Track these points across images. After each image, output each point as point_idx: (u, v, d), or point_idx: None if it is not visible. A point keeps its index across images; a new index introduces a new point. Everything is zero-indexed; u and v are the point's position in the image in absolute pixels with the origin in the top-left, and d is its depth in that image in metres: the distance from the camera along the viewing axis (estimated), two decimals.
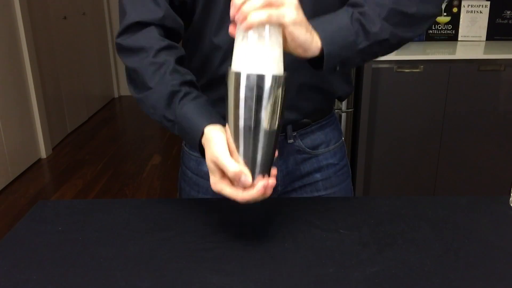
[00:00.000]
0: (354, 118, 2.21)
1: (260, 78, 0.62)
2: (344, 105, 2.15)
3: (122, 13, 0.81)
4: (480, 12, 2.52)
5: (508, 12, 2.53)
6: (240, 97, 0.63)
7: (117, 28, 0.84)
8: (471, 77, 2.20)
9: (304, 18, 0.66)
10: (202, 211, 0.85)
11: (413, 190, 2.38)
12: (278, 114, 0.65)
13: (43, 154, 3.42)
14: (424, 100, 2.23)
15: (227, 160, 0.65)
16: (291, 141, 0.93)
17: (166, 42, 0.79)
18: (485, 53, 2.28)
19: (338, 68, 0.73)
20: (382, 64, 2.17)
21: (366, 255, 0.71)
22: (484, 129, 2.28)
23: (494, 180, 2.36)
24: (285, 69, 0.65)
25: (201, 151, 0.72)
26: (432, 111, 2.25)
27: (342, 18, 0.71)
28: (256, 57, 0.62)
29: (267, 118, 0.64)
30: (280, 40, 0.64)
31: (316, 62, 0.72)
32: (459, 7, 2.51)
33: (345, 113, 2.17)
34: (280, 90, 0.64)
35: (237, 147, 0.66)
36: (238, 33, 0.63)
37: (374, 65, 2.12)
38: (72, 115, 3.99)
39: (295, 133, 0.93)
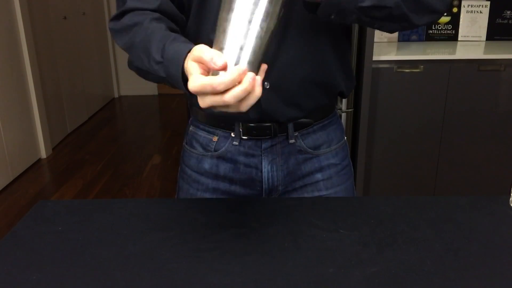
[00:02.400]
0: (354, 118, 2.21)
1: None
2: (344, 105, 2.15)
3: (120, 2, 0.81)
4: (480, 12, 2.52)
5: (508, 12, 2.53)
6: None
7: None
8: (471, 77, 2.20)
9: None
10: (202, 211, 0.85)
11: (413, 190, 2.37)
12: (273, 14, 0.60)
13: (43, 154, 3.42)
14: (424, 100, 2.23)
15: (205, 49, 0.58)
16: (292, 141, 0.93)
17: (158, 14, 0.77)
18: (485, 53, 2.28)
19: (333, 16, 0.71)
20: (382, 64, 2.17)
21: (366, 255, 0.71)
22: (484, 129, 2.28)
23: (494, 180, 2.36)
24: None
25: (185, 82, 0.65)
26: (432, 111, 2.25)
27: None
28: None
29: (263, 12, 0.60)
30: None
31: (313, 7, 0.71)
32: (459, 7, 2.51)
33: (345, 113, 2.17)
34: None
35: (223, 40, 0.60)
36: None
37: (374, 65, 2.12)
38: (72, 115, 3.99)
39: (297, 133, 0.93)
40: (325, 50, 0.88)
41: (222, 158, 0.94)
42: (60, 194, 2.90)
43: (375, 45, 2.10)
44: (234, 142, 0.92)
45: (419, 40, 2.57)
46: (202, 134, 0.95)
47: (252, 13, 0.60)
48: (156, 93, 5.21)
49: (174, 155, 3.46)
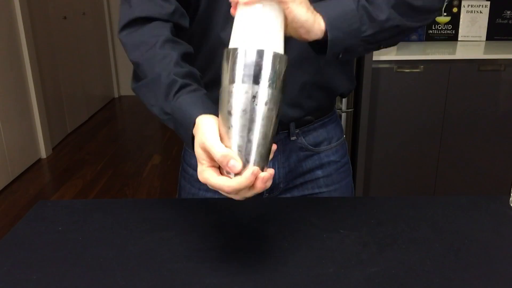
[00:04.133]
0: (354, 118, 2.21)
1: (259, 54, 0.57)
2: (344, 105, 2.15)
3: (126, 4, 0.79)
4: (480, 12, 2.52)
5: (508, 12, 2.53)
6: (235, 75, 0.57)
7: (117, 28, 0.83)
8: (471, 77, 2.20)
9: None
10: (202, 211, 0.85)
11: (413, 190, 2.38)
12: (276, 96, 0.58)
13: (43, 154, 3.42)
14: (424, 100, 2.23)
15: (215, 143, 0.59)
16: (293, 138, 0.93)
17: (171, 36, 0.77)
18: (485, 53, 2.28)
19: (341, 56, 0.72)
20: (382, 64, 2.17)
21: (366, 255, 0.71)
22: (484, 129, 2.28)
23: (494, 180, 2.36)
24: (286, 53, 0.61)
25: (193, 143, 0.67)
26: (432, 111, 2.25)
27: (347, 3, 0.70)
28: (255, 33, 0.58)
29: (265, 99, 0.57)
30: (281, 20, 0.61)
31: (319, 49, 0.72)
32: (459, 7, 2.51)
33: (345, 113, 2.17)
34: (280, 69, 0.58)
35: (229, 133, 0.58)
36: (237, 12, 0.60)
37: (374, 65, 2.12)
38: (72, 115, 3.99)
39: (298, 130, 0.94)
40: None
41: None
42: (60, 194, 2.90)
43: None
44: None
45: (419, 40, 2.57)
46: None
47: (253, 107, 0.57)
48: None
49: (174, 155, 3.46)
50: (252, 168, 0.57)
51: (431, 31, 2.55)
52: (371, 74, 2.10)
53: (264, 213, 0.84)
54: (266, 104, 0.58)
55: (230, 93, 0.58)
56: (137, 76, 0.78)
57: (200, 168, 0.61)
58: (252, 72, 0.57)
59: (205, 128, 0.61)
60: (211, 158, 0.60)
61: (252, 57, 0.57)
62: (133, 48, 0.78)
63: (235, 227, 0.79)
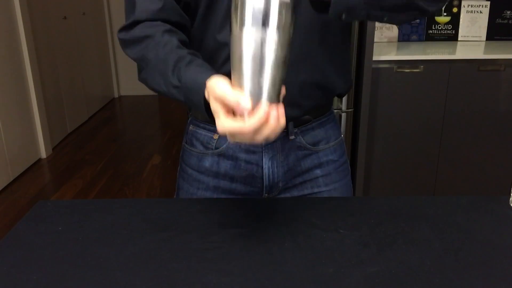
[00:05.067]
0: (354, 118, 2.21)
1: (267, 1, 0.59)
2: (344, 105, 2.15)
3: (131, 9, 0.82)
4: (480, 12, 2.52)
5: (508, 12, 2.53)
6: (245, 20, 0.60)
7: (117, 28, 0.85)
8: (471, 77, 2.20)
9: None
10: (202, 211, 0.85)
11: (413, 190, 2.38)
12: (284, 40, 0.61)
13: (43, 154, 3.42)
14: (424, 100, 2.23)
15: (227, 90, 0.61)
16: (292, 137, 0.94)
17: (169, 26, 0.80)
18: (485, 53, 2.28)
19: (343, 16, 0.72)
20: (382, 64, 2.17)
21: (366, 255, 0.71)
22: (484, 129, 2.28)
23: (494, 180, 2.36)
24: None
25: (206, 108, 0.69)
26: (432, 111, 2.25)
27: None
28: None
29: (273, 42, 0.60)
30: None
31: (322, 7, 0.72)
32: (459, 7, 2.51)
33: (345, 113, 2.17)
34: (287, 14, 0.61)
35: (241, 79, 0.62)
36: None
37: (374, 65, 2.12)
38: (72, 115, 3.99)
39: (296, 130, 0.94)
40: (325, 55, 0.90)
41: (222, 155, 0.94)
42: (60, 194, 2.90)
43: (375, 45, 2.10)
44: None
45: (419, 40, 2.57)
46: (202, 132, 0.96)
47: (263, 53, 0.60)
48: (156, 93, 5.21)
49: (174, 155, 3.46)
50: (263, 106, 0.60)
51: (431, 31, 2.55)
52: (371, 74, 2.10)
53: (264, 213, 0.84)
54: (275, 47, 0.60)
55: (240, 39, 0.61)
56: (142, 68, 0.81)
57: (217, 121, 0.62)
58: (260, 17, 0.59)
59: (217, 82, 0.63)
60: (226, 107, 0.62)
61: (260, 3, 0.59)
62: (134, 44, 0.80)
63: (235, 227, 0.79)
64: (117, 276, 0.67)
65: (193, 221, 0.81)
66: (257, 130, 0.60)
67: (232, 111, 0.62)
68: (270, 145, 0.93)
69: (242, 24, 0.60)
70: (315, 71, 0.89)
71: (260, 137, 0.61)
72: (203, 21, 0.86)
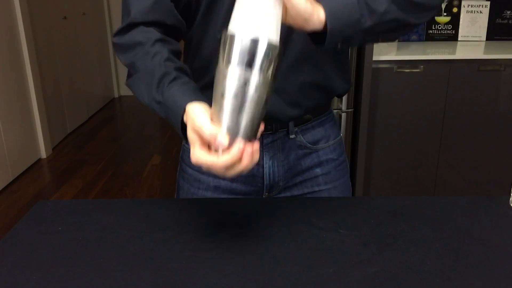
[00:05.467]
0: (354, 118, 2.21)
1: (254, 42, 0.60)
2: (344, 105, 2.15)
3: (126, 11, 0.82)
4: (480, 12, 2.52)
5: (508, 12, 2.53)
6: (231, 59, 0.61)
7: (117, 28, 0.85)
8: (471, 77, 2.20)
9: None
10: (202, 211, 0.85)
11: (413, 190, 2.37)
12: (267, 82, 0.62)
13: (43, 154, 3.42)
14: (424, 100, 2.23)
15: (205, 123, 0.63)
16: (292, 136, 0.94)
17: (161, 36, 0.80)
18: (485, 53, 2.28)
19: (339, 46, 0.73)
20: (382, 64, 2.17)
21: (366, 255, 0.71)
22: (484, 129, 2.28)
23: (494, 180, 2.36)
24: (281, 42, 0.64)
25: (183, 131, 0.70)
26: (432, 111, 2.25)
27: None
28: (252, 20, 0.61)
29: (256, 84, 0.61)
30: (279, 9, 0.64)
31: (317, 38, 0.73)
32: (459, 7, 2.51)
33: (345, 113, 2.17)
34: (272, 57, 0.62)
35: (220, 114, 0.63)
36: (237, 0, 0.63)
37: (374, 65, 2.12)
38: (72, 115, 3.99)
39: (297, 129, 0.95)
40: (324, 56, 0.90)
41: None
42: (60, 194, 2.90)
43: (375, 45, 2.10)
44: None
45: (419, 40, 2.57)
46: None
47: (244, 93, 0.61)
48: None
49: (174, 155, 3.46)
50: (238, 143, 0.62)
51: (431, 31, 2.55)
52: (371, 74, 2.10)
53: (264, 213, 0.84)
54: (257, 88, 0.62)
55: (224, 76, 0.62)
56: (130, 75, 0.82)
57: (192, 151, 0.64)
58: (246, 59, 0.61)
59: (196, 111, 0.65)
60: (202, 140, 0.64)
61: (247, 45, 0.60)
62: (126, 50, 0.81)
63: (235, 227, 0.79)
64: (117, 276, 0.67)
65: (193, 221, 0.81)
66: (230, 166, 0.62)
67: (207, 144, 0.64)
68: (270, 145, 0.94)
69: (228, 61, 0.61)
70: (315, 72, 0.90)
71: (232, 173, 0.63)
72: (203, 20, 0.86)
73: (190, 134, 0.65)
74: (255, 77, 0.61)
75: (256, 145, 0.64)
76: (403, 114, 2.25)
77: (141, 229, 0.79)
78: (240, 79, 0.61)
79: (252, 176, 0.95)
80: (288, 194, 0.98)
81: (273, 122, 0.92)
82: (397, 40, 2.55)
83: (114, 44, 0.83)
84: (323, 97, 0.96)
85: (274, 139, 0.94)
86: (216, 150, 0.63)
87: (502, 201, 0.86)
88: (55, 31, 3.67)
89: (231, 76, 0.61)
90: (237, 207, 0.87)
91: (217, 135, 0.61)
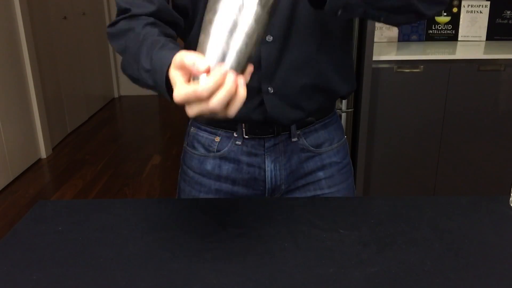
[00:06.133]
0: (354, 118, 2.21)
1: None
2: (344, 105, 2.15)
3: (120, 11, 0.82)
4: (480, 12, 2.52)
5: (508, 12, 2.52)
6: None
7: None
8: (471, 77, 2.20)
9: None
10: (202, 211, 0.85)
11: (413, 190, 2.37)
12: (261, 14, 0.58)
13: (43, 154, 3.42)
14: (424, 100, 2.23)
15: (187, 54, 0.56)
16: (295, 139, 0.93)
17: (152, 19, 0.77)
18: (485, 53, 2.28)
19: (339, 12, 0.70)
20: (382, 64, 2.17)
21: (366, 255, 0.71)
22: (484, 129, 2.28)
23: (494, 180, 2.36)
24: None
25: (169, 90, 0.64)
26: (432, 111, 2.25)
27: None
28: None
29: (251, 12, 0.58)
30: None
31: (319, 2, 0.71)
32: (459, 7, 2.51)
33: (345, 113, 2.17)
34: None
35: (205, 43, 0.57)
36: None
37: (374, 65, 2.12)
38: (72, 115, 3.99)
39: (299, 132, 0.94)
40: (325, 57, 0.89)
41: (224, 158, 0.94)
42: (60, 194, 2.90)
43: (375, 45, 2.10)
44: (237, 142, 0.92)
45: (419, 40, 2.57)
46: (203, 134, 0.95)
47: (237, 17, 0.57)
48: (156, 93, 5.21)
49: (174, 156, 3.46)
50: (220, 67, 0.56)
51: (431, 31, 2.55)
52: (371, 74, 2.10)
53: (264, 213, 0.84)
54: (250, 16, 0.58)
55: (217, 1, 0.58)
56: (124, 60, 0.79)
57: (175, 91, 0.57)
58: None
59: (180, 53, 0.59)
60: (185, 73, 0.57)
61: None
62: (119, 36, 0.79)
63: (235, 227, 0.79)
64: (117, 276, 0.67)
65: (193, 221, 0.81)
66: (213, 92, 0.54)
67: (190, 78, 0.57)
68: (272, 148, 0.93)
69: None
70: (316, 74, 0.89)
71: (217, 103, 0.54)
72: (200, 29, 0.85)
73: (172, 73, 0.58)
74: (250, 6, 0.57)
75: (242, 79, 0.56)
76: (403, 114, 2.25)
77: (141, 229, 0.79)
78: (234, 4, 0.57)
79: (254, 179, 0.95)
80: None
81: (275, 125, 0.91)
82: (397, 40, 2.55)
83: (107, 34, 0.82)
84: (326, 100, 0.94)
85: (276, 142, 0.93)
86: (197, 79, 0.55)
87: (502, 201, 0.86)
88: (55, 31, 3.67)
89: (225, 1, 0.57)
90: (237, 207, 0.87)
91: (198, 61, 0.54)
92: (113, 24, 0.82)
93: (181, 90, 0.55)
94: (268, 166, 0.93)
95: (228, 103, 0.55)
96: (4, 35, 2.95)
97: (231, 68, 0.57)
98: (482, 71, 2.19)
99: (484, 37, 2.56)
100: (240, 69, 0.58)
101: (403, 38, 2.56)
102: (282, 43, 0.84)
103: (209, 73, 0.54)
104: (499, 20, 2.54)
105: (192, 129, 0.98)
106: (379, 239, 0.75)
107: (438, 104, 2.24)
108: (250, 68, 0.60)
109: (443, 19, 2.53)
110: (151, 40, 0.71)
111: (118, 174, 3.15)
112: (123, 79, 5.16)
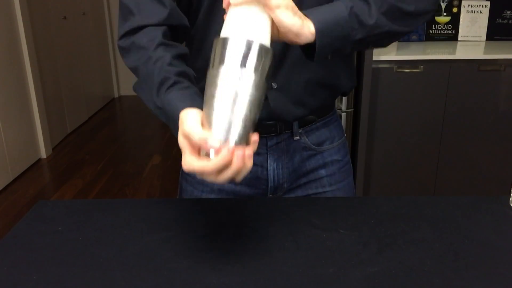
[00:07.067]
0: (354, 118, 2.21)
1: (248, 43, 0.61)
2: (344, 105, 2.15)
3: (128, 14, 0.80)
4: (480, 12, 2.52)
5: (508, 12, 2.52)
6: (224, 60, 0.61)
7: (117, 28, 0.85)
8: (471, 77, 2.20)
9: (292, 3, 0.67)
10: (202, 211, 0.85)
11: (413, 190, 2.37)
12: (259, 82, 0.62)
13: (43, 154, 3.42)
14: (424, 100, 2.23)
15: (194, 127, 0.61)
16: (297, 137, 0.94)
17: (164, 40, 0.78)
18: (485, 53, 2.28)
19: (329, 57, 0.74)
20: (382, 64, 2.17)
21: (366, 255, 0.71)
22: (484, 129, 2.28)
23: (494, 180, 2.36)
24: (272, 49, 0.64)
25: None
26: (432, 111, 2.25)
27: (339, 10, 0.71)
28: (244, 26, 0.63)
29: (249, 83, 0.61)
30: (268, 21, 0.65)
31: (309, 50, 0.73)
32: (459, 7, 2.51)
33: (345, 113, 2.17)
34: (265, 59, 0.62)
35: (211, 116, 0.61)
36: (228, 12, 0.65)
37: (374, 65, 2.12)
38: (72, 115, 3.99)
39: (301, 130, 0.94)
40: None
41: None
42: (60, 194, 2.90)
43: None
44: None
45: (419, 40, 2.57)
46: None
47: (237, 88, 0.60)
48: None
49: (174, 155, 3.46)
50: (228, 145, 0.59)
51: (431, 31, 2.55)
52: (371, 74, 2.10)
53: (264, 213, 0.84)
54: (249, 87, 0.61)
55: (215, 76, 0.61)
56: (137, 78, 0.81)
57: (183, 157, 0.62)
58: (240, 58, 0.61)
59: (186, 117, 0.63)
60: (192, 145, 0.61)
61: (241, 45, 0.61)
62: (130, 53, 0.80)
63: (235, 227, 0.79)
64: (117, 276, 0.67)
65: (193, 221, 0.81)
66: (221, 170, 0.59)
67: (198, 149, 0.62)
68: (274, 146, 0.93)
69: (221, 62, 0.61)
70: (320, 69, 0.89)
71: (224, 178, 0.60)
72: (205, 19, 0.85)
73: (180, 140, 0.63)
74: (248, 76, 0.61)
75: (249, 150, 0.60)
76: (403, 114, 2.25)
77: (141, 229, 0.79)
78: (233, 77, 0.60)
79: (256, 178, 0.95)
80: (292, 195, 0.98)
81: (277, 123, 0.92)
82: (397, 40, 2.55)
83: (119, 47, 0.82)
84: (328, 96, 0.95)
85: (278, 141, 0.93)
86: (207, 155, 0.60)
87: (502, 201, 0.86)
88: (55, 31, 3.67)
89: (224, 75, 0.61)
90: (237, 207, 0.87)
91: (207, 139, 0.59)
92: (124, 36, 0.81)
93: (189, 162, 0.60)
94: (271, 164, 0.94)
95: (234, 177, 0.60)
96: (4, 35, 2.95)
97: (239, 136, 0.60)
98: (482, 71, 2.19)
99: (484, 37, 2.56)
100: (246, 136, 0.62)
101: (403, 38, 2.56)
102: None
103: (219, 152, 0.59)
104: (499, 20, 2.54)
105: None
106: (379, 239, 0.75)
107: (438, 104, 2.24)
108: (254, 138, 0.63)
109: (443, 19, 2.53)
110: (162, 76, 0.73)
111: (118, 174, 3.15)
112: (123, 79, 5.16)
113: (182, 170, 1.02)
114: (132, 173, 3.17)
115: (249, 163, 0.60)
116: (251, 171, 0.94)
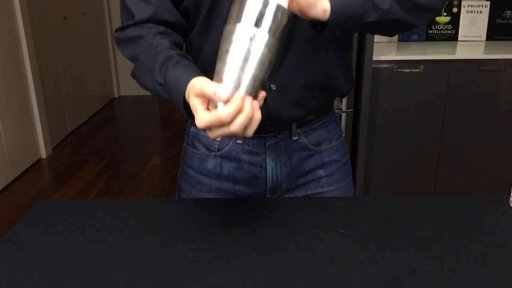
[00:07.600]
0: (354, 118, 2.21)
1: (265, 2, 0.62)
2: (344, 105, 2.15)
3: (128, 13, 0.83)
4: (480, 12, 2.52)
5: (508, 12, 2.52)
6: (241, 17, 0.62)
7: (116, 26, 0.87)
8: (471, 77, 2.20)
9: None
10: (202, 211, 0.85)
11: (413, 190, 2.37)
12: (273, 42, 0.63)
13: (43, 154, 3.42)
14: (424, 100, 2.23)
15: (206, 82, 0.63)
16: (295, 138, 0.94)
17: (162, 28, 0.81)
18: (485, 53, 2.28)
19: (338, 33, 0.75)
20: (382, 64, 2.17)
21: (366, 255, 0.71)
22: (484, 129, 2.28)
23: (494, 180, 2.36)
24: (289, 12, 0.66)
25: (186, 109, 0.70)
26: (432, 111, 2.25)
27: None
28: None
29: (262, 42, 0.63)
30: None
31: (318, 24, 0.74)
32: (459, 7, 2.51)
33: (345, 113, 2.17)
34: (281, 19, 0.64)
35: (223, 69, 0.63)
36: None
37: (374, 65, 2.12)
38: (72, 115, 3.99)
39: (299, 130, 0.94)
40: (328, 54, 0.90)
41: (225, 157, 0.94)
42: (60, 194, 2.90)
43: (375, 45, 2.10)
44: (238, 141, 0.93)
45: (419, 40, 2.57)
46: (204, 134, 0.96)
47: (250, 46, 0.62)
48: (143, 88, 5.20)
49: (174, 155, 3.46)
50: (239, 93, 0.61)
51: (431, 31, 2.55)
52: (371, 74, 2.10)
53: (264, 213, 0.84)
54: (262, 46, 0.63)
55: (231, 32, 0.63)
56: (134, 67, 0.83)
57: (196, 117, 0.63)
58: (256, 17, 0.62)
59: (198, 79, 0.66)
60: (204, 101, 0.63)
61: (258, 4, 0.62)
62: (128, 44, 0.82)
63: (235, 227, 0.79)
64: (117, 276, 0.67)
65: (193, 221, 0.81)
66: (233, 118, 0.60)
67: (209, 104, 0.63)
68: (273, 146, 0.93)
69: (237, 20, 0.63)
70: (318, 71, 0.90)
71: (237, 127, 0.60)
72: (204, 24, 0.86)
73: (192, 100, 0.64)
74: (262, 34, 0.62)
75: (257, 102, 0.63)
76: (403, 114, 2.25)
77: (141, 229, 0.79)
78: (248, 35, 0.62)
79: (255, 178, 0.95)
80: (291, 195, 0.98)
81: (275, 124, 0.92)
82: (397, 40, 2.55)
83: (116, 39, 0.85)
84: (327, 97, 0.95)
85: (276, 141, 0.94)
86: (217, 108, 0.62)
87: (502, 201, 0.86)
88: (55, 31, 3.67)
89: (239, 32, 0.62)
90: (237, 207, 0.87)
91: (218, 89, 0.60)
92: (120, 29, 0.84)
93: (203, 117, 0.61)
94: (269, 164, 0.94)
95: (246, 125, 0.61)
96: (4, 35, 2.95)
97: (246, 92, 0.62)
98: (482, 71, 2.19)
99: (484, 37, 2.56)
100: (254, 93, 0.63)
101: (403, 38, 2.56)
102: (286, 40, 0.84)
103: (229, 101, 0.60)
104: (499, 20, 2.54)
105: (193, 129, 0.99)
106: (379, 239, 0.75)
107: (438, 104, 2.24)
108: (262, 94, 0.65)
109: (443, 19, 2.53)
110: (165, 55, 0.75)
111: (118, 174, 3.15)
112: (123, 79, 5.16)
113: (182, 170, 1.02)
114: (132, 173, 3.17)
115: (258, 114, 0.62)
116: (249, 171, 0.94)
